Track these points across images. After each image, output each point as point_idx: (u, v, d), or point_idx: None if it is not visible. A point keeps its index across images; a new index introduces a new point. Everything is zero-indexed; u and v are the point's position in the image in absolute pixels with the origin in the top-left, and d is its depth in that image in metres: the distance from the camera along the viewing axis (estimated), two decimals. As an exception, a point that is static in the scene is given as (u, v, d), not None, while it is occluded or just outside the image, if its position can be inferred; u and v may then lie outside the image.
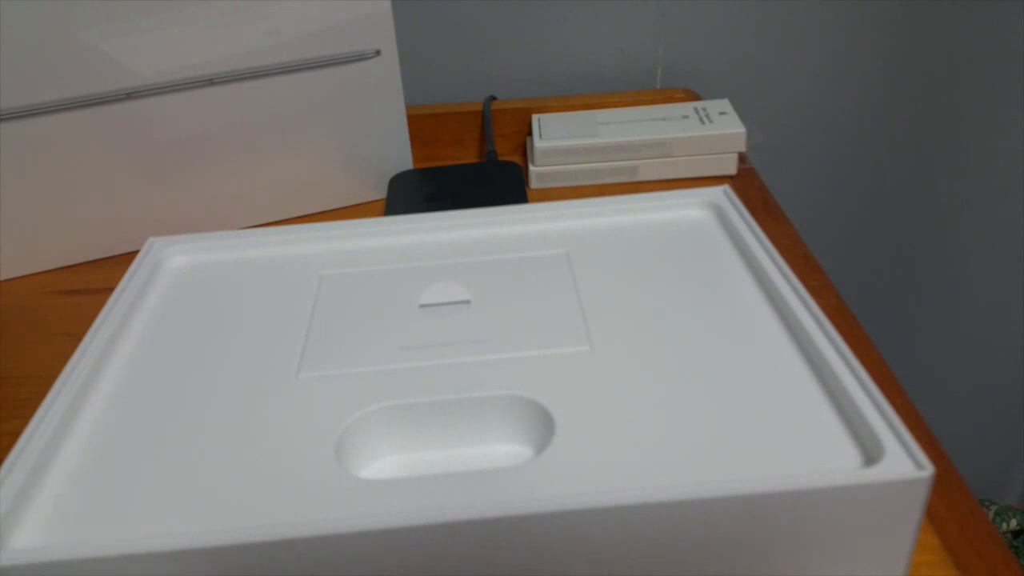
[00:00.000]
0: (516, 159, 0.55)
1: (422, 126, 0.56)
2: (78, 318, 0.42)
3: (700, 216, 0.35)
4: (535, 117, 0.54)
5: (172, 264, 0.35)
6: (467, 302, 0.31)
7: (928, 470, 0.22)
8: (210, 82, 0.43)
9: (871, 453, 0.23)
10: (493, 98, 0.57)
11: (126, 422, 0.26)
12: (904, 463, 0.22)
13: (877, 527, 0.22)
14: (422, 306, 0.31)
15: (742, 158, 0.52)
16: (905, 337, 0.78)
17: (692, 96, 0.59)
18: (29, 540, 0.22)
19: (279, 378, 0.27)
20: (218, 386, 0.27)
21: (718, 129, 0.50)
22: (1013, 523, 0.74)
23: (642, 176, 0.51)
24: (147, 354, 0.29)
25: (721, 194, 0.36)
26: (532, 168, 0.51)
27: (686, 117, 0.52)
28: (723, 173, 0.51)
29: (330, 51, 0.45)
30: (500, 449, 0.26)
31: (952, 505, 0.29)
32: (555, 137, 0.51)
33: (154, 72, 0.42)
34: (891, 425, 0.23)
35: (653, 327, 0.29)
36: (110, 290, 0.44)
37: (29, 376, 0.38)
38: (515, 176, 0.49)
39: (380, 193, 0.51)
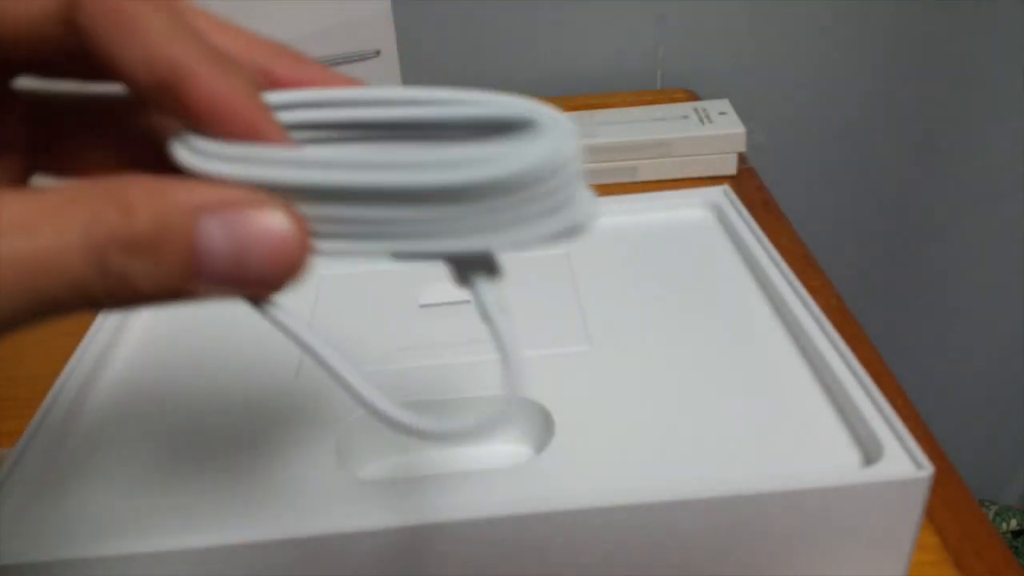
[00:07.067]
0: (516, 159, 0.55)
1: (422, 126, 0.56)
2: (78, 318, 0.42)
3: (700, 216, 0.35)
4: (535, 117, 0.54)
5: (172, 264, 0.35)
6: (467, 302, 0.31)
7: (928, 470, 0.22)
8: (210, 82, 0.43)
9: (871, 453, 0.23)
10: (493, 98, 0.57)
11: (126, 422, 0.26)
12: (904, 463, 0.22)
13: (877, 527, 0.22)
14: (422, 306, 0.31)
15: (742, 158, 0.52)
16: (905, 337, 0.77)
17: (692, 96, 0.59)
18: (28, 540, 0.22)
19: (279, 378, 0.27)
20: (218, 387, 0.27)
21: (718, 129, 0.50)
22: (1013, 523, 0.74)
23: (642, 176, 0.51)
24: (147, 354, 0.29)
25: (721, 194, 0.36)
26: (532, 168, 0.51)
27: (686, 117, 0.52)
28: (723, 173, 0.51)
29: (330, 51, 0.45)
30: (500, 449, 0.26)
31: (952, 505, 0.29)
32: (555, 137, 0.51)
33: (154, 72, 0.42)
34: (891, 425, 0.23)
35: (653, 327, 0.29)
36: (110, 290, 0.44)
37: (29, 376, 0.38)
38: (515, 176, 0.49)
39: (380, 193, 0.50)
